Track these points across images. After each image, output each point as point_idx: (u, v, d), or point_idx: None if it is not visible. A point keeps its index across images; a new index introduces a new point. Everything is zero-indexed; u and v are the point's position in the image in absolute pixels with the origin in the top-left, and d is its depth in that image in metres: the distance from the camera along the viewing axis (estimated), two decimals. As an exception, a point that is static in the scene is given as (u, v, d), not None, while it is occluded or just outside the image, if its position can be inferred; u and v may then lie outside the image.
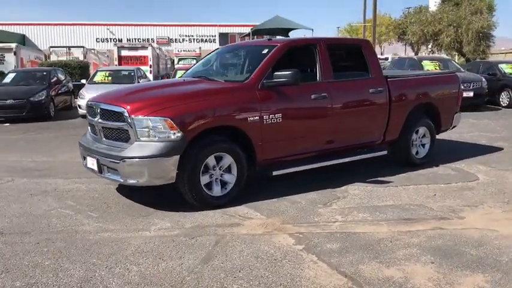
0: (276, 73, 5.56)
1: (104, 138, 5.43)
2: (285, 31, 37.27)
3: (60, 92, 15.14)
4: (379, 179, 6.52)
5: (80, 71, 19.83)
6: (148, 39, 57.25)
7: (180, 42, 60.26)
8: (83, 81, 15.28)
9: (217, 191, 5.34)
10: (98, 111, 5.45)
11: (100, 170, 5.34)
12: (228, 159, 5.36)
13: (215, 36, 64.16)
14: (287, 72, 5.52)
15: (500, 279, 3.59)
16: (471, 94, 14.22)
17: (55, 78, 15.26)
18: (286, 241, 4.37)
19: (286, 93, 5.76)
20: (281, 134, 5.71)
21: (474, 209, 5.30)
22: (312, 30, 33.30)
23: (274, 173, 5.77)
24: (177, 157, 4.98)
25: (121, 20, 60.55)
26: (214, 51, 7.10)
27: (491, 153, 8.38)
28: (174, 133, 4.95)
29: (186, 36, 62.05)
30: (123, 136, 5.16)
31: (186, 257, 4.01)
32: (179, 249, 4.17)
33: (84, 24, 57.24)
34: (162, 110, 4.99)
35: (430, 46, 23.36)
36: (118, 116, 5.14)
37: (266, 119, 5.53)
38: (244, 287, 3.49)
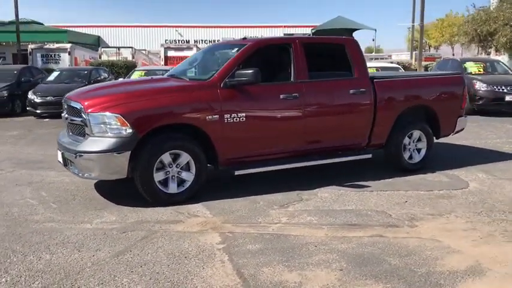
0: (237, 72, 5.54)
1: (71, 133, 5.67)
2: (348, 31, 36.77)
3: (101, 90, 15.83)
4: (360, 183, 6.31)
5: (126, 70, 20.67)
6: (214, 41, 58.51)
7: (245, 43, 60.72)
8: (120, 80, 15.92)
9: (173, 188, 5.40)
10: (66, 107, 5.69)
11: (65, 163, 5.57)
12: (185, 157, 5.40)
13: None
14: (247, 71, 5.49)
15: (399, 291, 3.39)
16: (515, 98, 13.32)
17: (97, 77, 16.01)
18: (212, 240, 4.35)
19: (251, 93, 5.72)
20: (245, 133, 5.68)
21: (436, 218, 4.99)
22: (375, 30, 32.58)
23: (236, 172, 5.75)
24: (127, 153, 5.09)
25: (189, 22, 62.22)
26: (201, 50, 7.17)
27: (503, 161, 7.83)
28: (126, 129, 5.07)
29: (251, 37, 62.36)
30: (82, 131, 5.36)
31: (102, 250, 4.10)
32: (102, 242, 4.28)
33: (154, 26, 59.42)
34: (115, 106, 5.13)
35: (485, 46, 21.97)
36: (78, 112, 5.35)
37: (227, 118, 5.51)
38: (133, 281, 3.53)
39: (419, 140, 7.06)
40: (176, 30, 59.23)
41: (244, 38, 6.41)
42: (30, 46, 23.04)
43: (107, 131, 5.10)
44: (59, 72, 16.03)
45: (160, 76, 6.37)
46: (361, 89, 6.39)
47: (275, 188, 6.00)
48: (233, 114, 5.55)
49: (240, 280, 3.54)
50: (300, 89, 5.98)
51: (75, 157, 5.19)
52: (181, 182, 5.48)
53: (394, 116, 6.71)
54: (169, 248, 4.15)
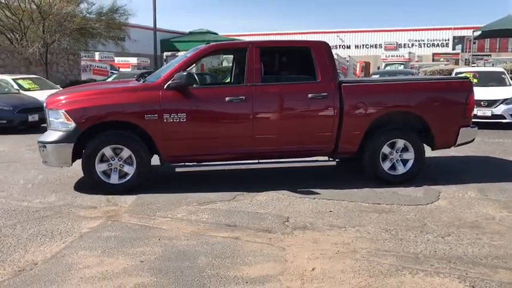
0: (175, 75, 5.92)
1: (50, 127, 6.66)
2: (523, 31, 33.05)
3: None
4: (316, 189, 6.15)
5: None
6: (376, 45, 57.71)
7: (409, 47, 58.73)
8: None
9: (114, 179, 6.01)
10: (47, 105, 6.72)
11: (43, 152, 6.57)
12: (126, 152, 5.97)
13: (448, 40, 60.41)
14: (182, 74, 5.85)
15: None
16: None
17: (203, 81, 17.37)
18: (90, 225, 4.86)
19: (194, 95, 6.05)
20: (186, 133, 6.01)
21: (330, 229, 4.75)
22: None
23: (177, 169, 6.13)
24: (70, 144, 5.86)
25: (350, 27, 62.04)
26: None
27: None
28: (70, 124, 5.85)
29: (415, 41, 60.19)
30: (49, 125, 6.30)
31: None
32: (7, 217, 5.10)
33: (317, 32, 60.62)
34: (64, 104, 5.95)
35: None
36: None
37: (167, 118, 5.93)
38: (-24, 247, 4.24)
39: (405, 150, 6.51)
40: (337, 36, 59.55)
41: (208, 43, 6.70)
42: (165, 53, 25.81)
43: (58, 125, 5.93)
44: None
45: (129, 79, 7.03)
46: (323, 93, 6.19)
47: (223, 188, 6.20)
48: (173, 115, 5.93)
49: (47, 257, 4.01)
50: (249, 92, 6.09)
51: (39, 147, 6.14)
52: (125, 174, 6.04)
53: (366, 122, 6.33)
54: (46, 227, 4.78)
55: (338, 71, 22.23)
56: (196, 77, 6.36)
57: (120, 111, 5.92)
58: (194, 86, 6.27)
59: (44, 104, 6.28)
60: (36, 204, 5.60)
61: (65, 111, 5.85)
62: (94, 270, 3.77)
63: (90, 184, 6.14)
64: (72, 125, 5.83)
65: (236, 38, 50.77)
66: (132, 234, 4.59)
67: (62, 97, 6.16)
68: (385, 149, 6.44)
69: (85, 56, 30.52)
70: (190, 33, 52.03)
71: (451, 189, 6.23)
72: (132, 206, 5.53)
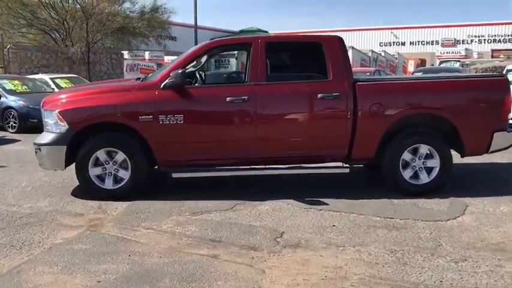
0: (171, 73, 5.51)
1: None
2: None
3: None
4: (324, 199, 5.58)
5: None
6: (432, 42, 55.57)
7: (467, 43, 56.22)
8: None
9: (108, 184, 5.67)
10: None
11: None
12: (120, 156, 5.61)
13: (510, 35, 57.36)
14: (177, 72, 5.43)
15: None
16: None
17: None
18: (67, 235, 4.53)
19: (193, 95, 5.62)
20: (183, 136, 5.59)
21: (325, 249, 4.18)
22: None
23: (174, 175, 5.73)
24: (63, 147, 5.57)
25: (405, 23, 60.03)
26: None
27: None
28: (63, 126, 5.56)
29: (475, 36, 57.52)
30: (47, 127, 6.04)
31: (-25, 229, 4.69)
32: (-12, 223, 4.87)
33: (370, 29, 59.13)
34: (58, 105, 5.66)
35: None
36: (43, 109, 6.07)
37: (163, 119, 5.52)
38: None
39: (430, 157, 5.79)
40: (391, 32, 57.78)
41: (212, 39, 6.24)
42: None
43: (52, 126, 5.67)
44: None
45: (129, 78, 6.68)
46: (334, 93, 5.60)
47: (225, 195, 5.74)
48: (169, 116, 5.51)
49: (3, 273, 3.69)
50: (252, 91, 5.59)
51: (35, 149, 5.89)
52: (120, 179, 5.69)
53: (383, 126, 5.68)
54: (20, 236, 4.49)
55: (385, 68, 21.18)
56: (197, 75, 5.92)
57: (113, 112, 5.55)
58: (196, 85, 5.88)
59: (41, 104, 6.03)
60: (24, 210, 5.35)
61: (58, 112, 5.56)
62: (43, 290, 3.40)
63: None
64: (65, 126, 5.53)
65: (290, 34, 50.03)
66: (104, 248, 4.20)
67: (57, 97, 5.91)
68: (406, 156, 5.76)
69: (135, 56, 30.92)
70: (241, 31, 51.88)
71: (482, 202, 5.47)
72: (121, 214, 5.16)
